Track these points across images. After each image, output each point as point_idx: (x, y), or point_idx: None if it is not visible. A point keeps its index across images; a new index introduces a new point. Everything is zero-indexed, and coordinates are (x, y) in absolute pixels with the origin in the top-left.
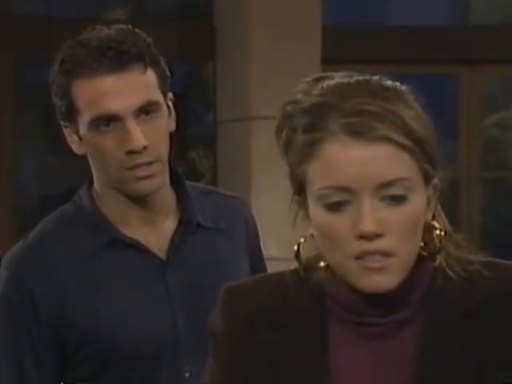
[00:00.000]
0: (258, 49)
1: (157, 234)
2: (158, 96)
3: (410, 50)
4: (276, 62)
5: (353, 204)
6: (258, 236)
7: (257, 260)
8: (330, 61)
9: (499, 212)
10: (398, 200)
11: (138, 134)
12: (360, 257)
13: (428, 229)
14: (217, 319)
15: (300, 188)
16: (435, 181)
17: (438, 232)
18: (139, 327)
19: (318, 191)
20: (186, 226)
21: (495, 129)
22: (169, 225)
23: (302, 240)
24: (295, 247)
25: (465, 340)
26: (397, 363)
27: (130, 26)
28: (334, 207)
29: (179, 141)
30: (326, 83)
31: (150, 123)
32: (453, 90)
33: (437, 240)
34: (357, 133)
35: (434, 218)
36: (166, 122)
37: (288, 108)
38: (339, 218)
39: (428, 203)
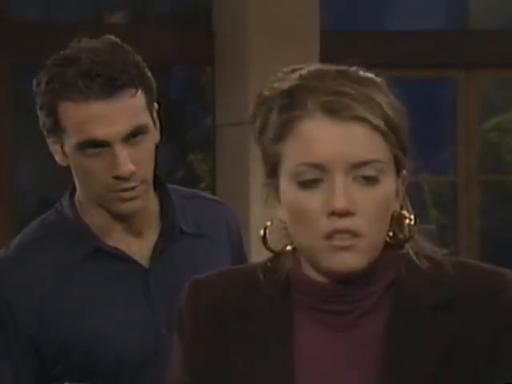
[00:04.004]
0: (257, 53)
1: (140, 241)
2: (146, 119)
3: (409, 55)
4: (274, 66)
5: (326, 182)
6: (241, 240)
7: (240, 264)
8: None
9: (498, 215)
10: (370, 181)
11: (126, 160)
12: (329, 236)
13: (398, 218)
14: (182, 310)
15: (273, 169)
16: (404, 172)
17: (407, 221)
18: (121, 338)
19: (292, 168)
20: (169, 233)
21: (493, 132)
22: (152, 232)
23: (268, 223)
24: (261, 231)
25: (428, 335)
26: (360, 353)
27: (118, 40)
28: (308, 184)
29: (178, 145)
30: (303, 70)
31: (138, 146)
32: (451, 94)
33: (407, 229)
34: (334, 111)
35: (401, 208)
36: (152, 140)
37: (264, 93)
38: (312, 195)
39: (397, 193)
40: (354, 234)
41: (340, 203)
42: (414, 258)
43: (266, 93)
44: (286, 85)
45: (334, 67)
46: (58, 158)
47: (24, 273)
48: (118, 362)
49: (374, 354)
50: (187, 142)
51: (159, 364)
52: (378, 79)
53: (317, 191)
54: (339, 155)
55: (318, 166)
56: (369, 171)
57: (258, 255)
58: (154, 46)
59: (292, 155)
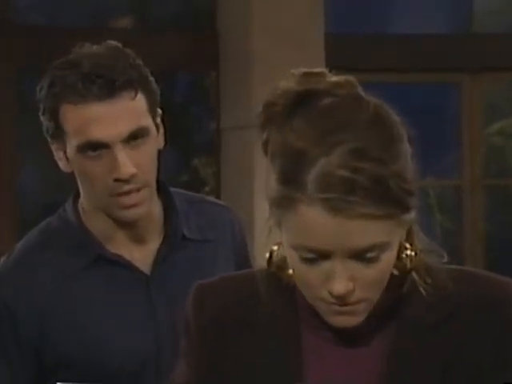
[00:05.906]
0: (261, 57)
1: (142, 248)
2: (147, 121)
3: (412, 59)
4: (279, 70)
5: (326, 262)
6: (245, 243)
7: (244, 268)
8: (333, 69)
9: (502, 219)
10: (370, 260)
11: (126, 161)
12: (330, 303)
13: (399, 248)
14: (188, 316)
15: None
16: (409, 216)
17: (408, 252)
18: (122, 345)
19: (291, 242)
20: (171, 240)
21: (498, 137)
22: (155, 239)
23: (275, 248)
24: (267, 254)
25: (430, 351)
26: (364, 370)
27: (119, 45)
28: (307, 261)
29: (182, 148)
30: (307, 110)
31: (139, 149)
32: (455, 99)
33: (408, 260)
34: (335, 209)
35: (406, 238)
36: (154, 145)
37: (272, 110)
38: (313, 270)
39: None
40: (354, 304)
41: (340, 288)
42: (417, 279)
43: (273, 110)
44: (288, 136)
45: (341, 106)
46: (61, 164)
47: (25, 276)
48: (119, 364)
49: (377, 371)
50: (191, 145)
51: (161, 364)
52: (381, 116)
53: (317, 267)
54: (339, 245)
55: (316, 251)
56: (369, 254)
57: (261, 259)
58: (157, 50)
59: (290, 231)
